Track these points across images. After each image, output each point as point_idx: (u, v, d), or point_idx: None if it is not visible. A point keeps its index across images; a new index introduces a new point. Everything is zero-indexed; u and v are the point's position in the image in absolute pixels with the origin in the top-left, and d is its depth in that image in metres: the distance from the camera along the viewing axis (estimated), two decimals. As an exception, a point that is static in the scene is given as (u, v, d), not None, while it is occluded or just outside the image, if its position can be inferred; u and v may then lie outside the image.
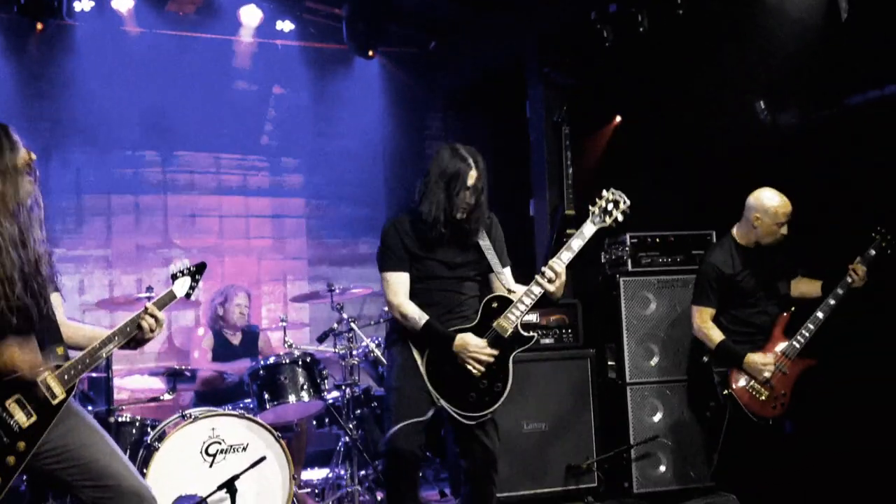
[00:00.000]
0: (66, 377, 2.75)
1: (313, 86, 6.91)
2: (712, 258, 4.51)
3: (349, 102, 6.98)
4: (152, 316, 2.93)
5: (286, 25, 6.46)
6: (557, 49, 6.22)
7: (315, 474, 5.56)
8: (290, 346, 5.08)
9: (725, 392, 4.30)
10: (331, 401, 5.04)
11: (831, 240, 4.61)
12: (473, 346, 3.51)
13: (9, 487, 2.65)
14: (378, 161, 7.13)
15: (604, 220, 3.53)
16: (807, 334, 4.24)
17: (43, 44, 5.99)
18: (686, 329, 4.82)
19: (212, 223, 6.58)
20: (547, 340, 5.35)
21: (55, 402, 2.71)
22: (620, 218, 3.54)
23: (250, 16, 6.31)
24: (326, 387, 4.87)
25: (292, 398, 4.71)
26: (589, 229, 3.51)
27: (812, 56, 4.72)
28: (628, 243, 5.37)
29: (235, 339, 5.67)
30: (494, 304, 3.58)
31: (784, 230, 4.36)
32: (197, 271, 3.18)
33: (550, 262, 3.50)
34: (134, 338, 2.92)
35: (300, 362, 4.81)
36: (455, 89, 7.32)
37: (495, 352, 3.54)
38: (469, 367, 3.52)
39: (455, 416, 3.51)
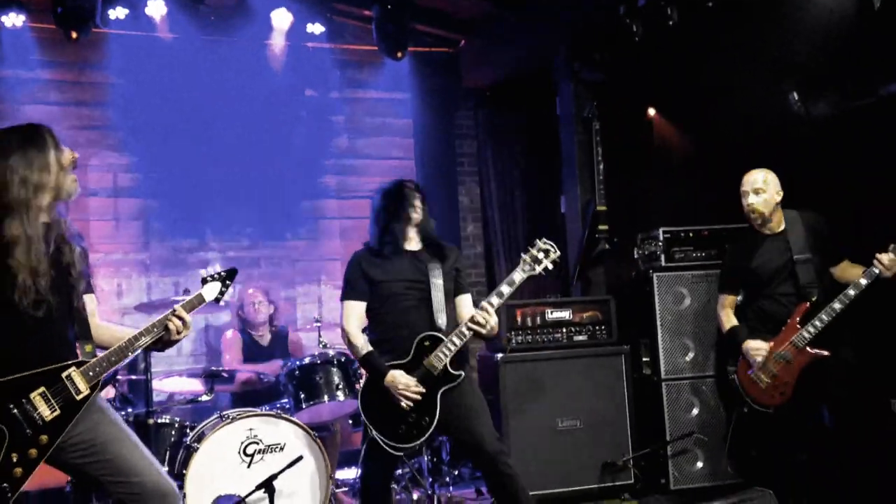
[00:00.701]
0: (91, 373, 2.81)
1: (344, 87, 6.95)
2: (732, 245, 4.54)
3: (380, 103, 7.01)
4: (179, 318, 2.98)
5: (316, 28, 6.50)
6: (587, 45, 6.20)
7: (351, 473, 5.59)
8: (325, 346, 5.12)
9: (731, 378, 4.34)
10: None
11: (867, 230, 4.54)
12: (402, 383, 3.68)
13: (28, 480, 2.72)
14: (409, 160, 7.15)
15: (533, 269, 3.68)
16: (819, 324, 4.11)
17: (79, 51, 6.10)
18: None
19: (245, 226, 6.64)
20: (580, 337, 5.35)
21: (79, 397, 2.78)
22: (550, 266, 3.71)
23: (281, 19, 6.36)
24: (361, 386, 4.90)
25: (327, 398, 4.76)
26: (518, 276, 3.69)
27: (845, 45, 4.66)
28: (661, 238, 5.34)
29: (264, 340, 5.73)
30: (427, 343, 3.72)
31: (748, 200, 4.32)
32: (227, 276, 3.21)
33: (482, 305, 3.67)
34: (161, 339, 2.97)
35: (335, 362, 4.85)
36: (485, 87, 7.33)
37: (423, 389, 3.68)
38: (399, 402, 3.68)
39: (383, 445, 3.69)
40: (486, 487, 3.99)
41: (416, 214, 3.88)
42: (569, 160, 6.41)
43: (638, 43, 5.46)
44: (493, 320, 3.67)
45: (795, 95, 5.22)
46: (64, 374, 2.77)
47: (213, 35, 6.31)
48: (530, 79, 6.89)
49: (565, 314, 5.36)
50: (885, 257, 4.04)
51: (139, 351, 2.98)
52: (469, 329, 3.65)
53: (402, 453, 3.74)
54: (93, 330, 2.97)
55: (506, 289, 3.68)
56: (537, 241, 3.75)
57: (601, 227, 6.12)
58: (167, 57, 6.20)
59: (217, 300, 3.19)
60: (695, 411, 5.16)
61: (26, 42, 5.97)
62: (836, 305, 4.08)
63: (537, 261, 3.67)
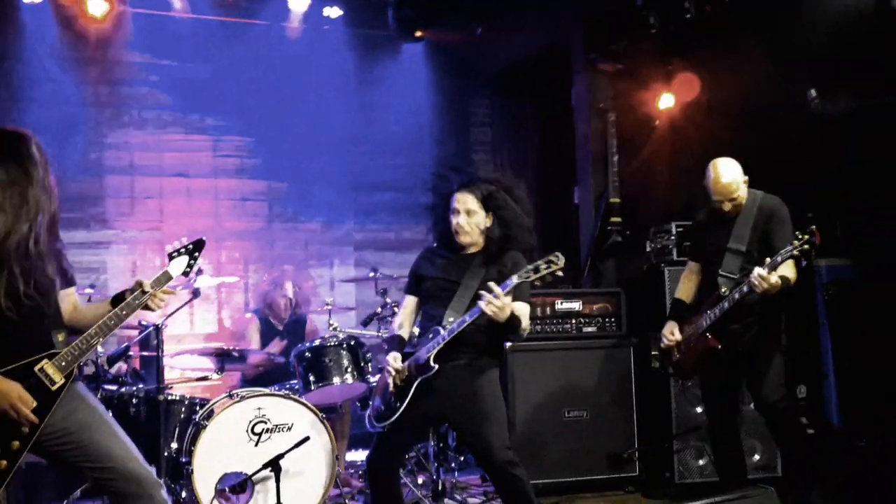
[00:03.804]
0: (63, 363, 2.84)
1: (359, 72, 6.96)
2: (701, 213, 4.43)
3: (395, 88, 7.02)
4: (149, 290, 2.97)
5: (333, 11, 6.51)
6: (603, 35, 6.19)
7: (359, 456, 5.64)
8: (335, 329, 5.15)
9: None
10: (374, 383, 5.11)
11: (883, 228, 4.53)
12: (391, 366, 3.77)
13: (14, 470, 2.77)
14: (423, 147, 7.16)
15: (528, 275, 3.55)
16: (712, 316, 4.10)
17: (97, 30, 6.13)
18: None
19: (260, 207, 6.68)
20: (590, 329, 5.36)
21: (55, 387, 2.82)
22: (548, 278, 3.57)
23: (298, 2, 6.38)
24: (370, 370, 4.94)
25: (336, 380, 4.79)
26: (512, 280, 3.56)
27: (863, 42, 4.64)
28: (674, 232, 5.35)
29: (282, 325, 5.76)
30: (430, 335, 3.73)
31: (725, 206, 4.15)
32: (195, 248, 3.14)
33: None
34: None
35: (344, 345, 4.88)
36: (501, 75, 7.32)
37: (405, 373, 3.74)
38: (388, 381, 3.79)
39: (366, 418, 3.86)
40: (494, 490, 4.01)
41: (458, 218, 3.77)
42: (583, 151, 6.40)
43: (654, 35, 5.45)
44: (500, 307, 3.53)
45: (813, 92, 5.21)
46: (36, 368, 2.80)
47: (231, 16, 6.33)
48: (546, 68, 6.88)
49: (575, 305, 5.37)
50: (756, 272, 3.85)
51: (110, 334, 2.98)
52: (459, 325, 3.59)
53: (375, 429, 3.80)
54: (73, 318, 3.01)
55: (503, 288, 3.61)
56: (552, 255, 3.57)
57: (614, 220, 6.12)
58: (185, 37, 6.22)
59: (185, 273, 3.13)
60: (701, 406, 5.16)
61: (46, 19, 6.00)
62: (726, 304, 4.05)
63: (537, 269, 3.53)
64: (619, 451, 5.16)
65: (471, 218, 3.77)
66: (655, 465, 5.24)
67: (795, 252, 3.77)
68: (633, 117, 6.30)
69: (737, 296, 4.01)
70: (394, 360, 3.77)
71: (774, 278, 3.82)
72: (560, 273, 3.55)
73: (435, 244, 4.03)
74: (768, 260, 3.85)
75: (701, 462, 5.13)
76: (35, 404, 2.76)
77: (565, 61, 6.56)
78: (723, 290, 4.10)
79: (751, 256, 4.10)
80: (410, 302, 3.97)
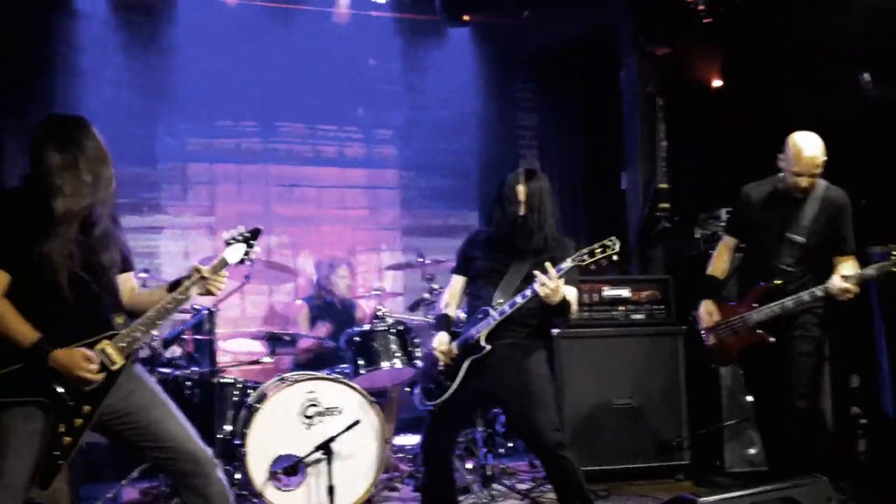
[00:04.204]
0: (122, 345, 2.91)
1: (406, 57, 6.96)
2: (749, 184, 4.31)
3: (441, 73, 7.00)
4: (209, 277, 3.01)
5: (381, -3, 6.52)
6: (651, 18, 6.12)
7: (408, 440, 5.69)
8: (384, 313, 5.19)
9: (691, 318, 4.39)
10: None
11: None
12: (437, 344, 3.83)
13: (77, 447, 2.85)
14: (469, 132, 7.15)
15: (583, 259, 3.57)
16: (769, 312, 3.98)
17: (148, 16, 6.21)
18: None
19: (309, 193, 6.74)
20: (638, 316, 5.34)
21: (114, 368, 2.89)
22: (603, 262, 3.59)
23: (345, -13, 6.41)
24: (418, 354, 4.98)
25: (385, 364, 4.83)
26: (566, 263, 3.58)
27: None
28: (723, 218, 5.30)
29: (333, 310, 5.82)
30: (479, 315, 3.75)
31: (803, 182, 3.99)
32: (251, 237, 3.15)
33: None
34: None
35: (393, 330, 4.93)
36: (547, 60, 7.27)
37: (455, 353, 3.78)
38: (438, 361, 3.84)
39: (415, 398, 3.91)
40: (544, 472, 4.03)
41: (513, 208, 3.78)
42: (631, 136, 6.35)
43: (704, 17, 5.37)
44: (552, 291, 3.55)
45: (867, 76, 5.10)
46: (97, 348, 2.87)
47: (280, 2, 6.37)
48: (593, 52, 6.82)
49: (623, 292, 5.36)
50: (836, 281, 3.80)
51: (168, 318, 3.04)
52: (511, 307, 3.63)
53: (425, 407, 3.84)
54: (130, 302, 3.08)
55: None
56: (608, 240, 3.62)
57: (662, 206, 6.06)
58: (234, 23, 6.28)
59: (242, 261, 3.15)
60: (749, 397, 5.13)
61: (99, 4, 6.09)
62: (790, 304, 3.94)
63: (591, 254, 3.57)
64: (669, 439, 5.14)
65: (526, 208, 3.79)
66: (705, 454, 5.21)
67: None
68: (681, 101, 6.22)
69: (807, 298, 3.89)
70: (440, 341, 3.83)
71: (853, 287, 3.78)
72: (615, 258, 3.56)
73: (484, 228, 4.04)
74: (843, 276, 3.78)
75: (752, 451, 5.09)
76: (98, 362, 2.84)
77: (612, 45, 6.50)
78: (777, 281, 4.00)
79: (808, 249, 4.01)
80: (458, 282, 4.01)
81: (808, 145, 3.99)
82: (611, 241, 3.58)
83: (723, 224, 5.27)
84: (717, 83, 6.16)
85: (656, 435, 5.16)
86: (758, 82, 5.83)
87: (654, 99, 6.18)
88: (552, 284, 3.48)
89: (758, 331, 4.05)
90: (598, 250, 3.58)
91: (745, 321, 4.09)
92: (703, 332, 4.31)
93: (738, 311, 4.14)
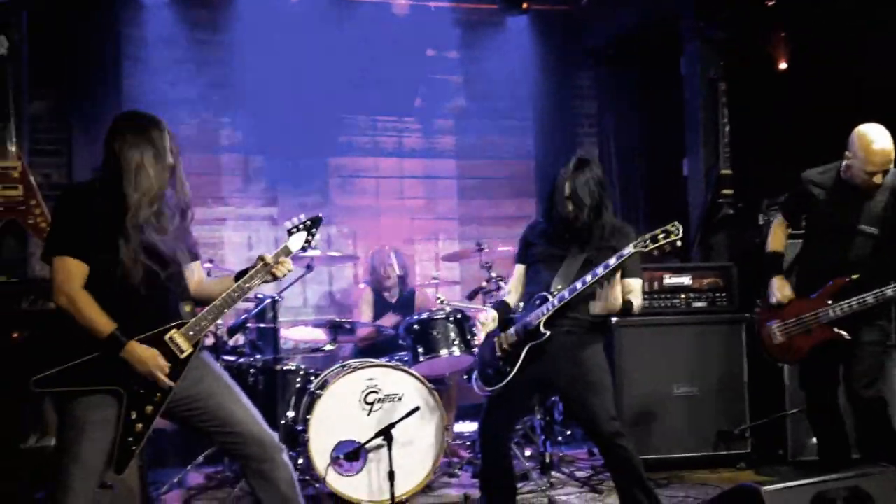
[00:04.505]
0: (191, 333, 2.98)
1: (464, 47, 6.98)
2: (810, 170, 4.16)
3: (499, 62, 7.00)
4: (273, 264, 3.09)
5: (440, -12, 6.55)
6: (713, 2, 6.01)
7: (466, 427, 5.73)
8: (442, 302, 5.23)
9: (755, 313, 4.28)
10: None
11: None
12: (483, 318, 3.85)
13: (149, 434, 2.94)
14: (527, 121, 7.14)
15: (646, 245, 3.49)
16: (847, 308, 3.85)
17: (210, 9, 6.34)
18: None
19: (369, 183, 6.81)
20: (699, 304, 5.28)
21: (183, 355, 2.96)
22: (667, 248, 3.49)
23: (405, -21, 6.44)
24: (476, 342, 5.00)
25: (444, 352, 4.86)
26: (628, 250, 3.52)
27: None
28: (788, 204, 5.17)
29: (392, 299, 5.89)
30: (538, 301, 3.73)
31: (877, 179, 3.84)
32: (312, 225, 3.22)
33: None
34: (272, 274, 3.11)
35: (451, 318, 4.95)
36: (605, 46, 7.19)
37: (514, 338, 3.75)
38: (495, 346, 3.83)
39: (474, 384, 3.87)
40: (603, 463, 4.02)
41: (561, 205, 3.76)
42: (692, 122, 6.26)
43: (767, 1, 5.26)
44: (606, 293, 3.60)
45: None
46: (166, 337, 2.95)
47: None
48: (653, 38, 6.74)
49: (685, 280, 5.30)
50: None
51: (234, 306, 3.11)
52: (570, 293, 3.61)
53: (484, 393, 3.84)
54: (197, 291, 3.16)
55: (612, 260, 3.57)
56: (671, 225, 3.53)
57: (725, 192, 5.97)
58: (293, 16, 6.36)
59: (304, 248, 3.22)
60: (817, 383, 5.03)
61: (161, 1, 6.24)
62: (870, 300, 3.80)
63: (654, 239, 3.54)
64: (731, 428, 5.08)
65: (575, 202, 3.75)
66: (768, 443, 5.14)
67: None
68: (744, 86, 6.11)
69: (891, 293, 3.75)
70: (486, 315, 3.84)
71: None
72: (679, 243, 3.51)
73: (542, 217, 4.03)
74: None
75: (815, 440, 4.99)
76: (169, 369, 2.93)
77: (673, 30, 6.41)
78: (854, 276, 3.88)
79: (878, 241, 3.89)
80: (519, 270, 4.00)
81: (878, 138, 3.84)
82: (673, 226, 3.54)
83: (787, 210, 5.16)
84: (781, 66, 6.02)
85: (717, 424, 5.10)
86: (823, 64, 5.69)
87: (716, 84, 6.09)
88: (611, 295, 3.54)
89: (835, 329, 3.93)
90: (661, 236, 3.53)
91: (820, 318, 3.97)
92: (769, 326, 4.18)
93: (811, 307, 4.01)
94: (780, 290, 4.15)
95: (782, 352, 4.17)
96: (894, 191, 3.93)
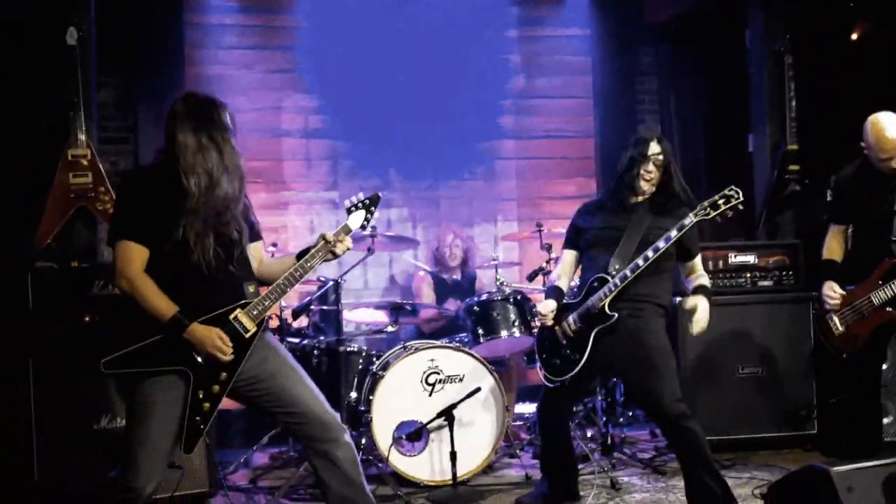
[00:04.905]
0: (255, 312, 3.02)
1: (522, 25, 6.92)
2: (838, 174, 4.25)
3: (558, 41, 6.93)
4: (337, 245, 3.12)
5: (496, -34, 6.49)
6: (779, -26, 5.86)
7: (526, 408, 5.74)
8: (502, 283, 5.23)
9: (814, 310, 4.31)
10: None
11: None
12: (542, 308, 3.84)
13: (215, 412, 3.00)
14: (588, 99, 7.05)
15: (707, 213, 3.52)
16: (894, 290, 3.86)
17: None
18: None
19: (428, 167, 6.79)
20: (765, 283, 5.19)
21: (248, 335, 3.01)
22: (729, 213, 3.53)
23: (461, -40, 6.40)
24: (536, 324, 4.99)
25: (504, 333, 4.87)
26: (689, 220, 3.54)
27: None
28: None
29: (453, 282, 5.90)
30: (595, 283, 3.70)
31: (894, 164, 3.89)
32: (371, 203, 3.24)
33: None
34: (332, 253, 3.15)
35: (511, 299, 4.96)
36: (667, 22, 7.06)
37: (579, 325, 3.73)
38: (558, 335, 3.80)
39: (541, 376, 3.85)
40: (667, 442, 3.99)
41: (648, 175, 3.75)
42: (758, 96, 6.14)
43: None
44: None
45: None
46: (231, 317, 2.99)
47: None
48: (715, 12, 6.59)
49: (750, 258, 5.20)
50: None
51: (297, 285, 3.15)
52: (633, 270, 3.59)
53: (554, 385, 3.82)
54: (260, 271, 3.21)
55: (674, 232, 3.59)
56: (728, 189, 3.60)
57: (791, 168, 5.85)
58: (353, 6, 6.40)
59: (363, 227, 3.25)
60: (886, 364, 4.89)
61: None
62: None
63: (715, 206, 3.53)
64: (797, 409, 4.99)
65: (658, 169, 3.74)
66: (835, 423, 5.03)
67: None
68: (811, 59, 5.94)
69: None
70: (545, 305, 3.84)
71: None
72: (741, 207, 3.48)
73: (596, 197, 4.00)
74: None
75: (885, 420, 4.87)
76: (232, 347, 2.98)
77: (737, 3, 6.26)
78: None
79: None
80: (569, 256, 4.00)
81: (889, 126, 3.90)
82: (732, 189, 3.52)
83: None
84: (853, 36, 5.83)
85: (783, 404, 5.02)
86: (891, 38, 5.50)
87: (782, 57, 5.94)
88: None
89: (888, 308, 3.92)
90: (721, 202, 3.51)
91: (873, 301, 3.97)
92: (829, 317, 4.17)
93: (863, 292, 4.02)
94: (830, 291, 4.15)
95: (843, 341, 4.16)
96: None
